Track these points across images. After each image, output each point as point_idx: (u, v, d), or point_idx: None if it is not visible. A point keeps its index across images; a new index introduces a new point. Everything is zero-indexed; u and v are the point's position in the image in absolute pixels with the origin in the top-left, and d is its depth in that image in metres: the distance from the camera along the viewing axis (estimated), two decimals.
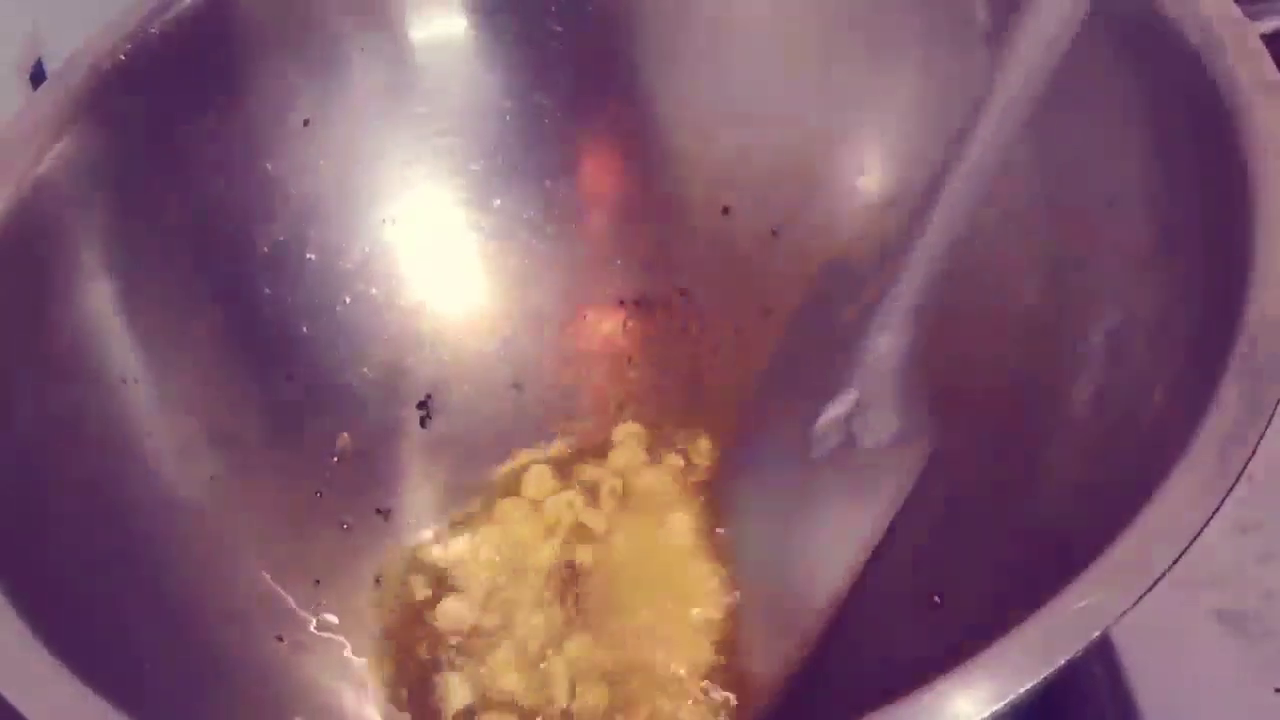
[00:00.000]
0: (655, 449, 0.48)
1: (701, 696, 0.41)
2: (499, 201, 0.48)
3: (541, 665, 0.42)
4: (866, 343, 0.41)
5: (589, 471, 0.47)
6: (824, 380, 0.42)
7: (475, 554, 0.45)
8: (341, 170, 0.47)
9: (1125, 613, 0.27)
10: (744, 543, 0.44)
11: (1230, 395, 0.29)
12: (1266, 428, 0.28)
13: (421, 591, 0.45)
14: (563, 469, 0.48)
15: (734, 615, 0.43)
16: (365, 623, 0.44)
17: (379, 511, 0.46)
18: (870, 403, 0.41)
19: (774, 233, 0.47)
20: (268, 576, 0.42)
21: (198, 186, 0.44)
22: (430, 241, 0.48)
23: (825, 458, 0.42)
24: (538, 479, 0.47)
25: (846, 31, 0.46)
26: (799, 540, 0.42)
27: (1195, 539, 0.27)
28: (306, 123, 0.46)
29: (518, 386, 0.49)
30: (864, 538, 0.41)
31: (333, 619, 0.43)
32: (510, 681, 0.42)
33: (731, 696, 0.41)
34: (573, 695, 0.42)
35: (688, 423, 0.48)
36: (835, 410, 0.42)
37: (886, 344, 0.41)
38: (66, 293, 0.40)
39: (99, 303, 0.41)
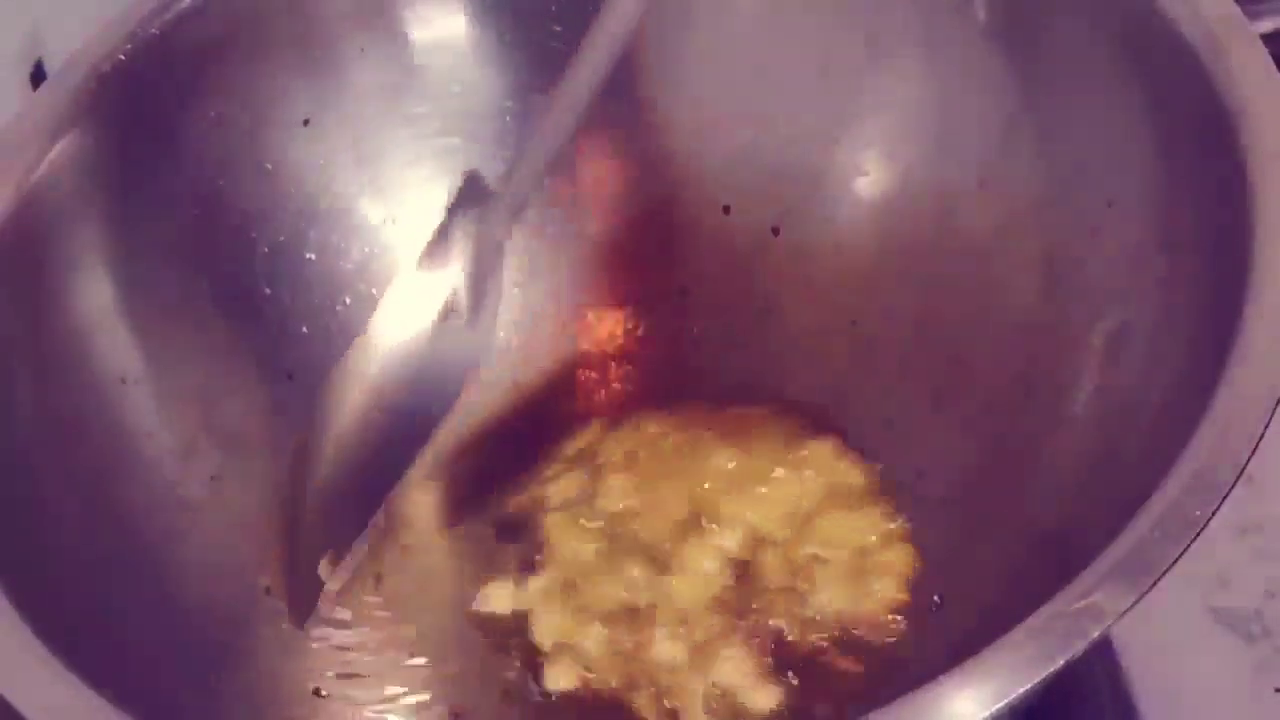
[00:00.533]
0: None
1: None
2: None
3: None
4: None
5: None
6: None
7: None
8: (342, 170, 0.47)
9: (1125, 612, 0.27)
10: None
11: (1229, 395, 0.29)
12: (1266, 428, 0.29)
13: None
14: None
15: None
16: (366, 622, 0.44)
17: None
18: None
19: (774, 232, 0.47)
20: (268, 576, 0.42)
21: (198, 186, 0.44)
22: None
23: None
24: None
25: (846, 31, 0.46)
26: None
27: (1195, 539, 0.27)
28: (307, 122, 0.46)
29: (517, 386, 0.49)
30: None
31: (333, 619, 0.43)
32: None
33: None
34: None
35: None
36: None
37: None
38: (67, 293, 0.40)
39: (99, 303, 0.41)
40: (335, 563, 0.43)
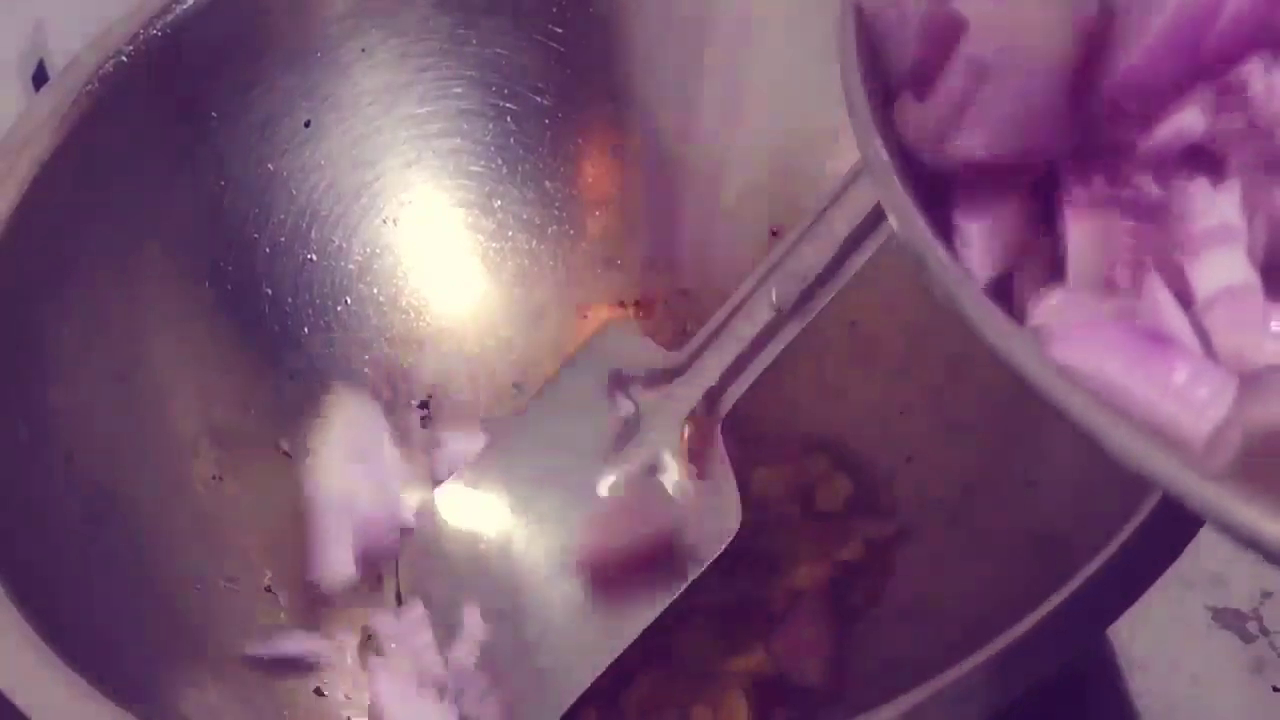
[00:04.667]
0: None
1: None
2: (499, 203, 0.49)
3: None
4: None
5: None
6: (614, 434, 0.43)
7: None
8: (342, 171, 0.47)
9: (1123, 612, 0.27)
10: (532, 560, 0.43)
11: None
12: None
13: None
14: None
15: None
16: (367, 622, 0.44)
17: None
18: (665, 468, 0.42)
19: (774, 233, 0.48)
20: (269, 576, 0.42)
21: (199, 187, 0.44)
22: (431, 242, 0.48)
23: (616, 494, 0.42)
24: None
25: None
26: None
27: (1192, 539, 0.28)
28: (308, 124, 0.46)
29: (518, 386, 0.49)
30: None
31: (334, 618, 0.43)
32: None
33: None
34: None
35: None
36: (628, 465, 0.42)
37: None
38: (68, 293, 0.40)
39: (100, 303, 0.41)
40: None
